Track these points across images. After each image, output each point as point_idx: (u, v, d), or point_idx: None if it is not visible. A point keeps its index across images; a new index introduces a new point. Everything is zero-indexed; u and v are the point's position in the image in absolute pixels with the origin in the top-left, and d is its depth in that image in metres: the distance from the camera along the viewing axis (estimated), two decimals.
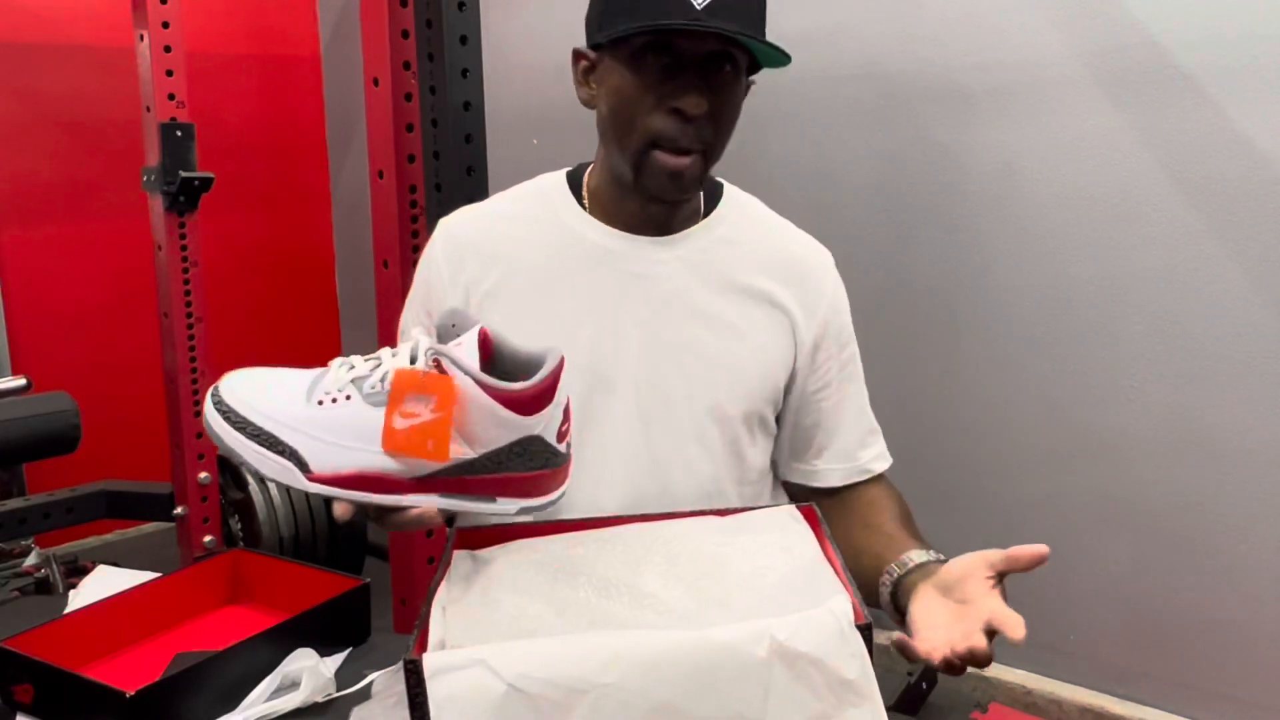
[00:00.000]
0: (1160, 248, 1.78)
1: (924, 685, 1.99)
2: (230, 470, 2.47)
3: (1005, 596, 0.80)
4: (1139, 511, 1.87)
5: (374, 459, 0.74)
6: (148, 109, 2.27)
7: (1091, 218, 1.85)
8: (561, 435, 0.79)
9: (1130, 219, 1.80)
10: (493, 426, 0.74)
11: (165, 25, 2.23)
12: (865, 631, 0.66)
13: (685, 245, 1.05)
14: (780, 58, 0.95)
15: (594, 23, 0.99)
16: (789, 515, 0.88)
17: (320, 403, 0.76)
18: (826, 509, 1.06)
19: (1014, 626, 0.74)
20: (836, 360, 1.09)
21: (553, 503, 0.80)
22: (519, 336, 0.81)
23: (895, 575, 0.91)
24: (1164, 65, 1.73)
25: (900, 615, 0.89)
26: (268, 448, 0.75)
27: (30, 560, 2.15)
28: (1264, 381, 1.71)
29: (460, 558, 0.82)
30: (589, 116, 1.04)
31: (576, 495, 1.00)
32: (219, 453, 0.81)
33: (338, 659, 1.22)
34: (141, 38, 2.24)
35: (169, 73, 2.25)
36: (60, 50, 2.74)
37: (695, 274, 1.04)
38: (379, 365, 0.77)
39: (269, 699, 1.12)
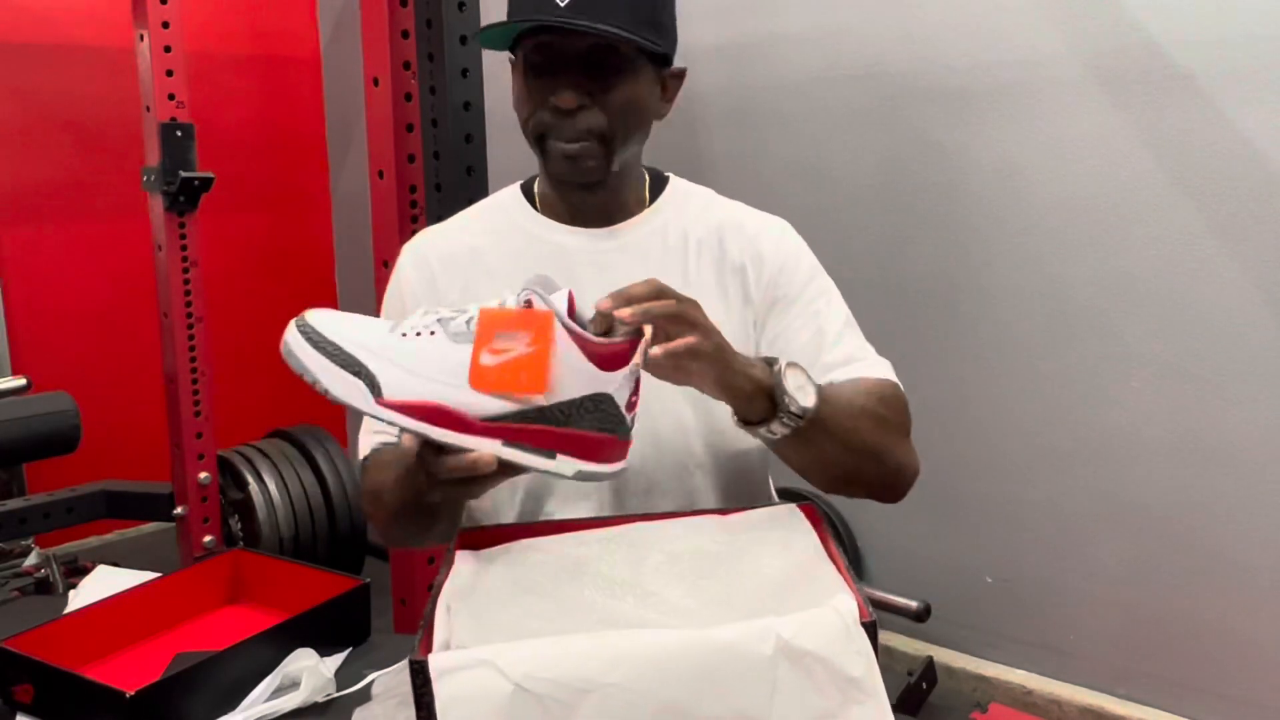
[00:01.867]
0: (1160, 247, 1.78)
1: (924, 685, 1.99)
2: (230, 470, 2.47)
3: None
4: (1139, 511, 1.87)
5: (447, 391, 0.74)
6: (148, 109, 2.26)
7: (1091, 218, 1.85)
8: (630, 406, 0.78)
9: (1130, 219, 1.81)
10: (570, 375, 0.74)
11: (165, 25, 2.23)
12: (870, 629, 0.66)
13: (631, 234, 1.08)
14: (652, 46, 0.98)
15: (483, 35, 1.04)
16: (790, 513, 0.88)
17: (404, 335, 0.76)
18: None
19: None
20: (799, 299, 1.06)
21: (611, 475, 0.79)
22: None
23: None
24: (1164, 65, 1.73)
25: (750, 419, 0.88)
26: (343, 367, 0.75)
27: (30, 560, 2.15)
28: (1264, 381, 1.71)
29: (464, 557, 0.82)
30: None
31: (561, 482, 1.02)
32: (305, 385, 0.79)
33: (338, 659, 1.22)
34: (141, 38, 2.24)
35: (169, 73, 2.25)
36: (60, 50, 2.74)
37: (643, 259, 1.06)
38: (464, 312, 0.77)
39: (269, 699, 1.11)
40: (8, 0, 2.65)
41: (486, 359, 0.74)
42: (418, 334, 0.76)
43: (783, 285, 1.07)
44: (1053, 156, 1.88)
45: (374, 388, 0.74)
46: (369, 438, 1.04)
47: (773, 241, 1.09)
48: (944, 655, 2.12)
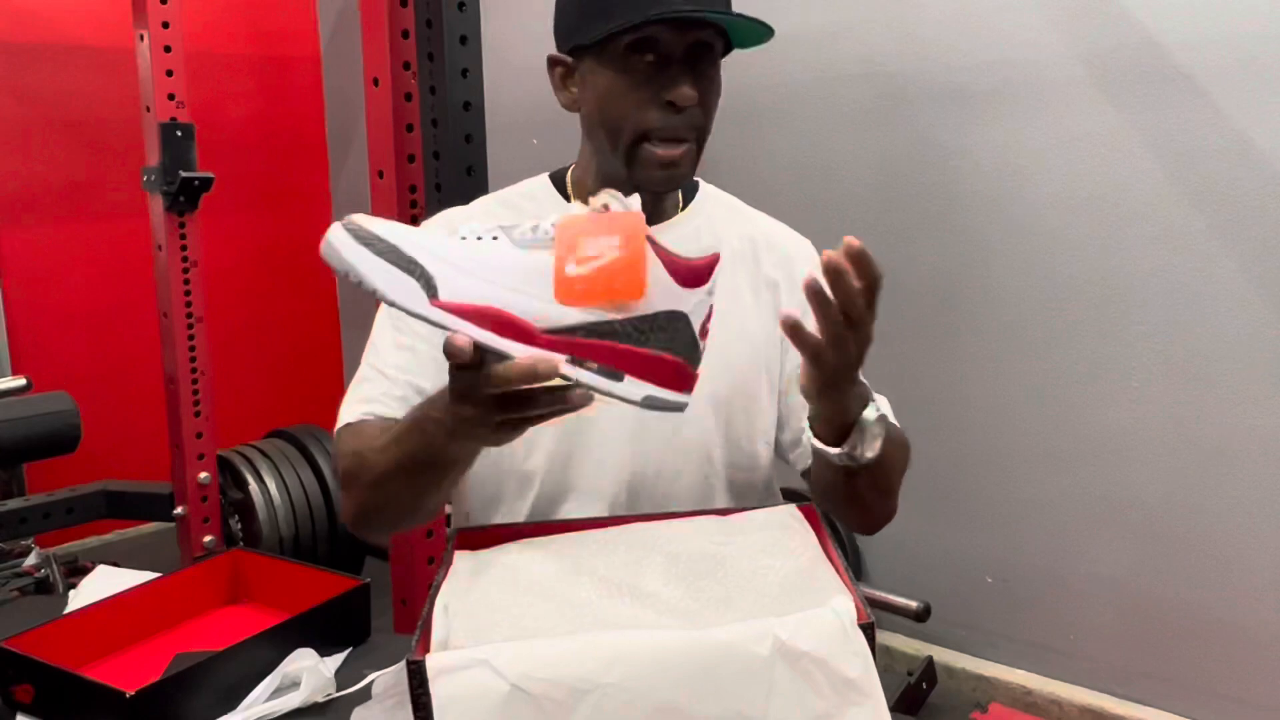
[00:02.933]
0: (1159, 247, 1.78)
1: (924, 685, 1.99)
2: (230, 470, 2.47)
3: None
4: (1139, 511, 1.87)
5: (511, 296, 0.67)
6: (148, 109, 2.26)
7: (1091, 217, 1.85)
8: (703, 333, 0.72)
9: (1129, 218, 1.81)
10: (652, 291, 0.68)
11: (165, 25, 2.23)
12: (868, 630, 0.66)
13: (667, 236, 1.06)
14: (764, 34, 0.96)
15: (570, 27, 1.01)
16: (789, 514, 0.88)
17: (464, 239, 0.70)
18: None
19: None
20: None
21: (678, 405, 0.71)
22: None
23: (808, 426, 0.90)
24: (1164, 65, 1.73)
25: (825, 439, 0.87)
26: (397, 265, 0.68)
27: (30, 560, 2.15)
28: (1264, 381, 1.71)
29: (462, 558, 0.82)
30: None
31: (575, 479, 1.01)
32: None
33: (338, 659, 1.22)
34: (141, 38, 2.24)
35: (169, 73, 2.25)
36: (60, 50, 2.74)
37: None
38: (528, 222, 0.71)
39: (269, 699, 1.11)
40: (8, 0, 2.65)
41: (574, 269, 0.67)
42: (479, 238, 0.70)
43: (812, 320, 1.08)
44: (1053, 156, 1.88)
45: (429, 287, 0.68)
46: (357, 406, 1.00)
47: (805, 263, 1.10)
48: (944, 655, 2.12)
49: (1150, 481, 1.85)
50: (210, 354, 2.41)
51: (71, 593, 1.62)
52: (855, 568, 2.23)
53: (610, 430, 1.01)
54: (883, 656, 0.62)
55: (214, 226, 2.64)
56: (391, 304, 0.68)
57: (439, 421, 0.76)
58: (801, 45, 2.15)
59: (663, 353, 0.69)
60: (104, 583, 1.53)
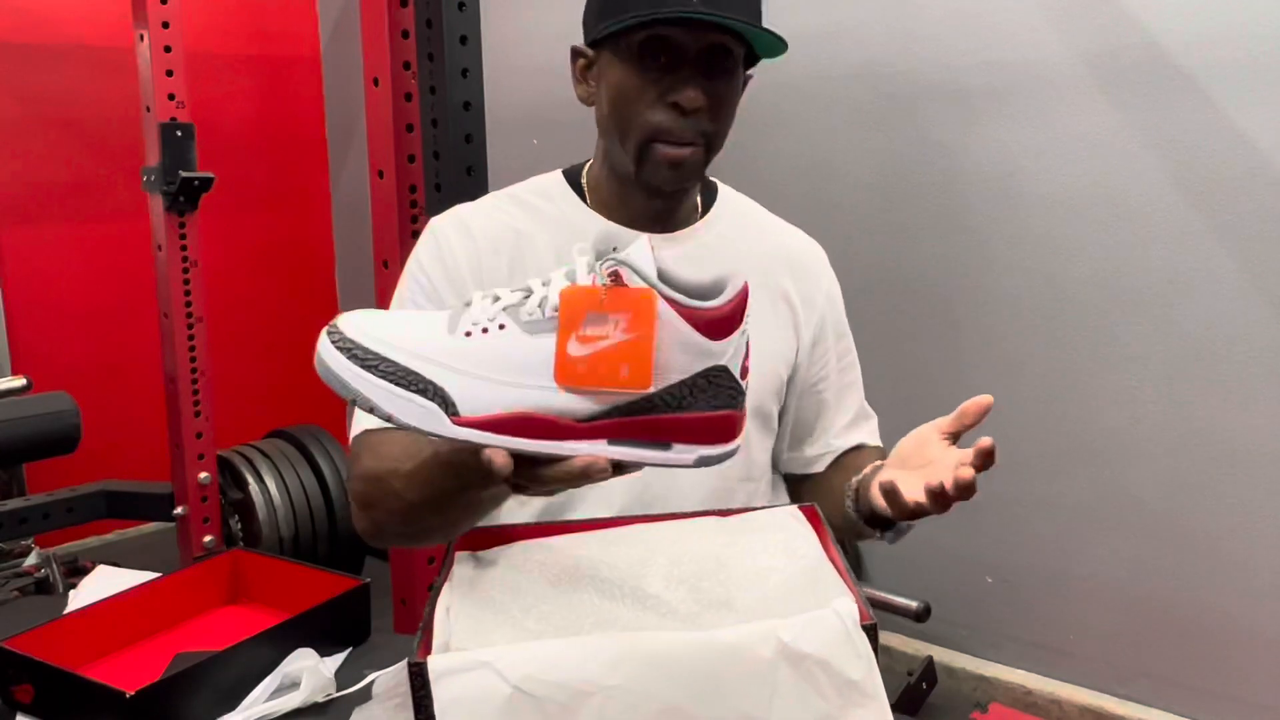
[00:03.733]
0: (1160, 247, 1.78)
1: (924, 685, 1.99)
2: (230, 470, 2.47)
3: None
4: (1138, 511, 1.87)
5: (534, 395, 0.63)
6: (148, 109, 2.26)
7: (1091, 217, 1.85)
8: (744, 372, 0.68)
9: (1130, 218, 1.81)
10: (677, 353, 0.64)
11: (165, 25, 2.23)
12: (870, 632, 0.66)
13: (687, 242, 1.05)
14: (779, 45, 0.96)
15: (591, 20, 1.00)
16: (791, 515, 0.88)
17: (468, 334, 0.65)
18: (818, 487, 1.07)
19: (981, 453, 0.78)
20: (834, 352, 1.11)
21: (730, 454, 0.69)
22: None
23: (854, 483, 0.93)
24: (1164, 65, 1.73)
25: (867, 519, 0.92)
26: (405, 387, 0.63)
27: (30, 560, 2.15)
28: (1264, 381, 1.71)
29: (462, 559, 0.82)
30: (588, 116, 1.04)
31: (585, 492, 1.00)
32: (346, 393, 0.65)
33: (338, 659, 1.22)
34: (141, 38, 2.24)
35: (169, 73, 2.25)
36: (60, 50, 2.74)
37: (699, 270, 1.05)
38: (531, 293, 0.66)
39: (269, 699, 1.11)
40: (8, 0, 2.65)
41: (576, 349, 0.63)
42: (484, 330, 0.65)
43: (827, 337, 1.11)
44: (1053, 156, 1.88)
45: (446, 405, 0.63)
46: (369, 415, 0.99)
47: (825, 284, 1.12)
48: (944, 655, 2.12)
49: (1150, 481, 1.85)
50: (210, 354, 2.41)
51: (71, 593, 1.62)
52: (855, 568, 2.23)
53: None
54: (883, 656, 0.62)
55: (214, 226, 2.64)
56: (410, 429, 0.65)
57: (476, 470, 0.69)
58: (801, 45, 2.14)
59: (707, 413, 0.66)
60: (104, 583, 1.54)
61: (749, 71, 1.04)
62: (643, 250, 0.65)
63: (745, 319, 0.67)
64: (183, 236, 2.32)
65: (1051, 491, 1.97)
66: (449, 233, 1.04)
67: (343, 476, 2.50)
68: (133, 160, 2.43)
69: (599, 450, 0.64)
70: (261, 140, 3.17)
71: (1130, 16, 1.76)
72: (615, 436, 0.65)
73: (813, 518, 0.87)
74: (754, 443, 1.07)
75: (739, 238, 1.07)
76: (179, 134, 2.26)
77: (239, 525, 2.46)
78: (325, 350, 0.65)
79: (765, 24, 0.97)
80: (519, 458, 0.64)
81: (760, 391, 1.05)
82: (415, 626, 0.72)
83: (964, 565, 2.11)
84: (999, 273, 1.97)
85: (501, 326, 0.65)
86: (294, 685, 1.12)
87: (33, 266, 2.74)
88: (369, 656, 1.22)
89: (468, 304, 0.67)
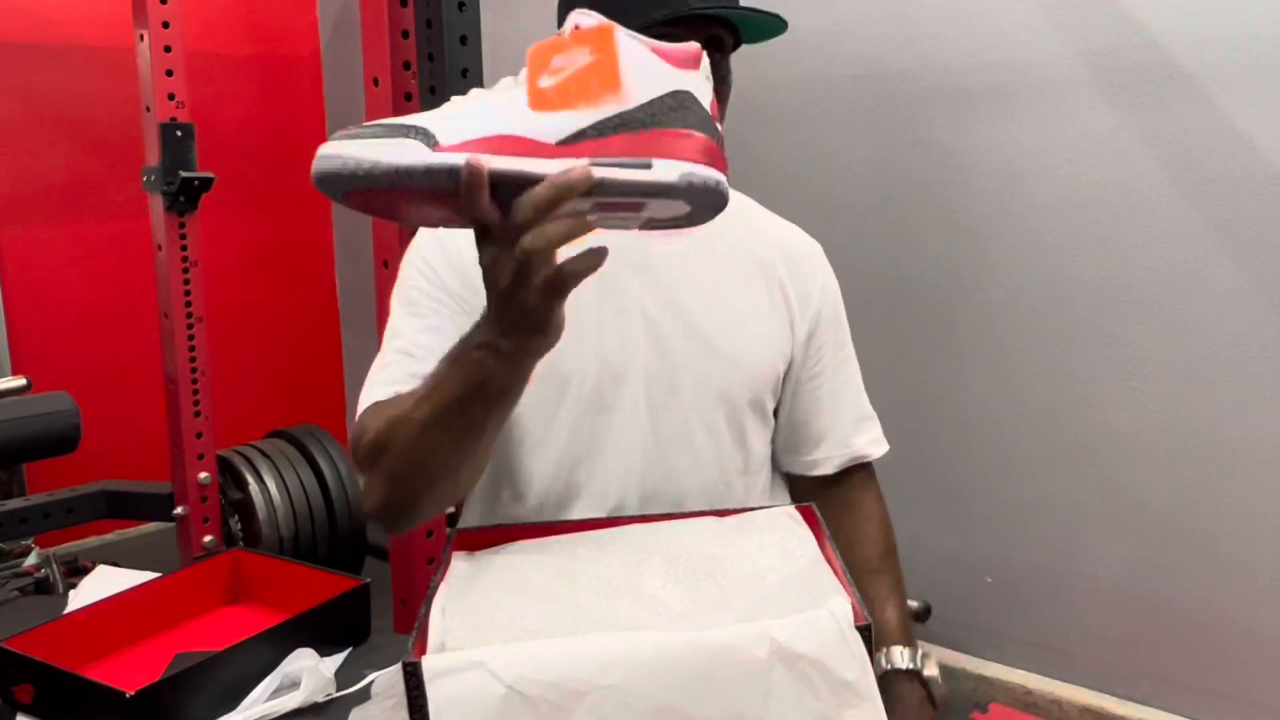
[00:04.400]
0: (1161, 247, 1.78)
1: None
2: (230, 470, 2.47)
3: None
4: (1139, 511, 1.87)
5: (512, 119, 0.64)
6: (148, 109, 2.26)
7: (1091, 217, 1.85)
8: (715, 116, 0.70)
9: (1130, 219, 1.80)
10: (644, 75, 0.65)
11: (165, 25, 2.23)
12: (865, 633, 0.66)
13: (682, 237, 1.06)
14: (777, 24, 0.97)
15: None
16: (788, 516, 0.88)
17: (450, 106, 0.68)
18: (820, 497, 1.07)
19: None
20: (831, 347, 1.11)
21: (719, 183, 0.67)
22: None
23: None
24: (1164, 65, 1.73)
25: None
26: (389, 135, 0.64)
27: (30, 560, 2.15)
28: (1264, 381, 1.71)
29: (459, 559, 0.82)
30: None
31: (584, 483, 1.00)
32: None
33: (338, 659, 1.23)
34: (141, 38, 2.24)
35: (169, 73, 2.25)
36: (60, 50, 2.74)
37: (695, 264, 1.05)
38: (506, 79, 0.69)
39: (269, 699, 1.12)
40: (8, 0, 2.65)
41: (545, 81, 0.65)
42: (463, 99, 0.68)
43: (823, 333, 1.10)
44: (1053, 156, 1.87)
45: (428, 138, 0.64)
46: (382, 388, 0.94)
47: (821, 279, 1.12)
48: (944, 655, 2.12)
49: (1151, 481, 1.85)
50: (210, 354, 2.41)
51: (71, 593, 1.62)
52: None
53: (621, 435, 1.01)
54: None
55: (214, 226, 2.64)
56: (395, 168, 0.63)
57: (481, 344, 0.72)
58: (801, 45, 2.15)
59: (681, 129, 0.66)
60: (104, 583, 1.54)
61: None
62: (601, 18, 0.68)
63: (706, 68, 0.68)
64: (183, 236, 2.32)
65: (1051, 491, 1.97)
66: (431, 255, 1.03)
67: (342, 477, 2.50)
68: (133, 160, 2.43)
69: (580, 164, 0.63)
70: (261, 140, 3.17)
71: (1130, 16, 1.76)
72: (595, 156, 0.64)
73: (809, 518, 0.87)
74: (751, 435, 1.07)
75: (734, 232, 1.08)
76: (179, 134, 2.26)
77: (239, 525, 2.46)
78: (321, 147, 0.66)
79: (755, 12, 0.98)
80: (500, 188, 0.63)
81: (757, 383, 1.06)
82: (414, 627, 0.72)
83: (964, 565, 2.11)
84: (999, 273, 1.97)
85: (478, 98, 0.68)
86: (294, 685, 1.12)
87: (33, 266, 2.75)
88: (369, 656, 1.22)
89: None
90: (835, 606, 0.66)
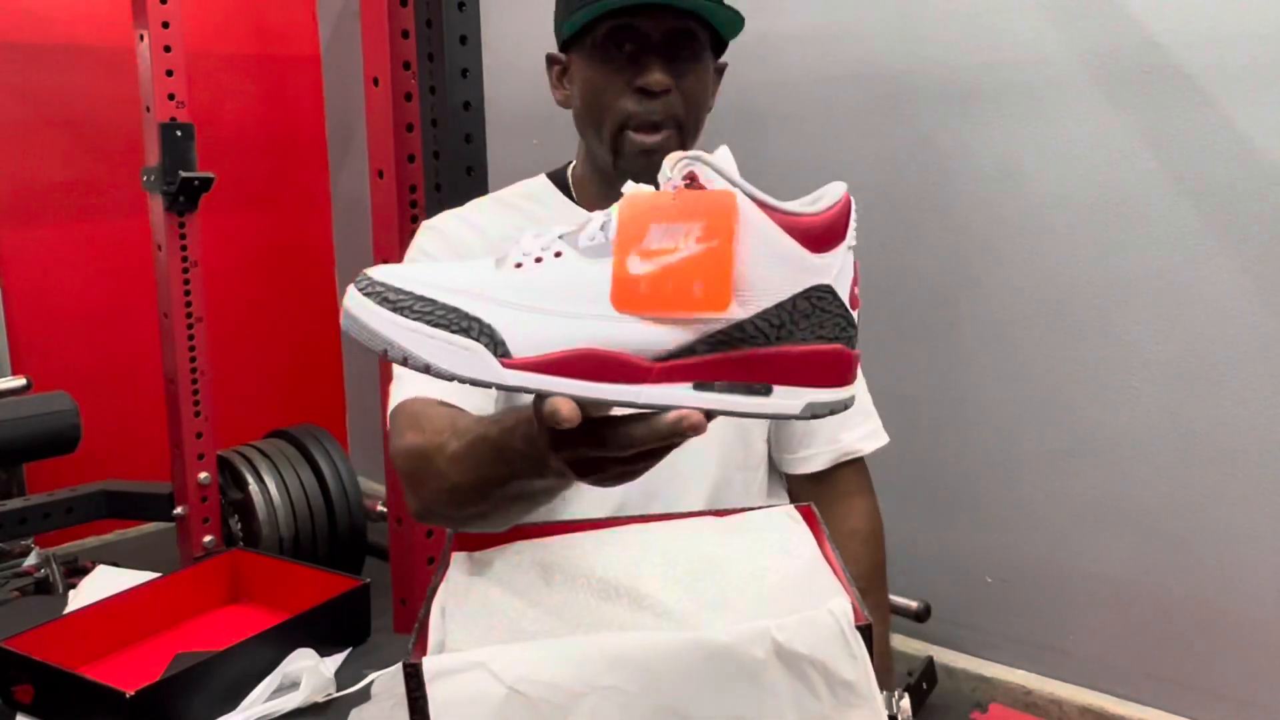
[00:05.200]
0: (1160, 247, 1.78)
1: (924, 685, 1.99)
2: (230, 470, 2.47)
3: None
4: (1139, 511, 1.87)
5: (601, 327, 0.51)
6: (148, 109, 2.26)
7: (1091, 218, 1.85)
8: (854, 301, 0.57)
9: (1130, 219, 1.80)
10: (771, 267, 0.52)
11: (165, 25, 2.23)
12: (865, 632, 0.66)
13: None
14: (736, 22, 0.97)
15: (559, 23, 1.02)
16: (787, 516, 0.88)
17: (518, 265, 0.54)
18: (813, 495, 1.07)
19: None
20: None
21: (846, 403, 0.56)
22: None
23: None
24: (1164, 65, 1.73)
25: None
26: (444, 327, 0.52)
27: (30, 560, 2.15)
28: (1264, 381, 1.71)
29: (459, 559, 0.82)
30: None
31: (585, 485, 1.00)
32: (368, 346, 0.52)
33: (338, 659, 1.23)
34: (141, 38, 2.24)
35: (169, 73, 2.25)
36: (60, 50, 2.74)
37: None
38: (592, 220, 0.55)
39: (269, 699, 1.12)
40: (7, 0, 2.65)
41: (638, 266, 0.51)
42: (537, 260, 0.54)
43: None
44: (1053, 156, 1.87)
45: (496, 345, 0.52)
46: (410, 383, 0.90)
47: None
48: (944, 655, 2.12)
49: (1150, 481, 1.85)
50: (210, 354, 2.41)
51: (71, 593, 1.63)
52: None
53: None
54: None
55: (214, 226, 2.64)
56: (452, 378, 0.53)
57: (530, 459, 0.62)
58: (801, 45, 2.15)
59: (812, 345, 0.54)
60: (104, 583, 1.54)
61: (722, 60, 1.05)
62: (725, 154, 0.55)
63: (851, 233, 0.56)
64: (183, 236, 2.32)
65: (1051, 491, 1.97)
66: (452, 225, 1.05)
67: (342, 477, 2.50)
68: (133, 160, 2.43)
69: (679, 396, 0.52)
70: (261, 140, 3.17)
71: (1130, 16, 1.76)
72: (701, 378, 0.52)
73: (809, 518, 0.87)
74: (751, 428, 1.07)
75: None
76: (179, 134, 2.26)
77: (239, 525, 2.46)
78: (352, 300, 0.55)
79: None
80: (589, 420, 0.53)
81: None
82: (414, 627, 0.72)
83: (964, 565, 2.11)
84: (999, 272, 1.97)
85: (558, 255, 0.55)
86: (294, 685, 1.12)
87: (33, 266, 2.75)
88: (369, 656, 1.22)
89: (516, 240, 0.57)
90: (835, 606, 0.65)
